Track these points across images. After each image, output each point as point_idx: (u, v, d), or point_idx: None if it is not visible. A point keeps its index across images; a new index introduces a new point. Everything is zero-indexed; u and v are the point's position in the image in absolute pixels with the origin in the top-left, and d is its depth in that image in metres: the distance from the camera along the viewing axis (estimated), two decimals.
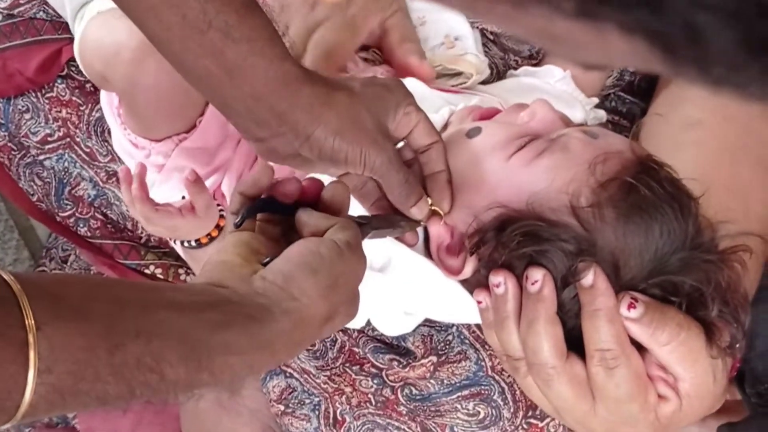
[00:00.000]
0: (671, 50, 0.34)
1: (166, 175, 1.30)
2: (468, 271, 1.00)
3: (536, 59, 1.45)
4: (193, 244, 1.21)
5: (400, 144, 1.02)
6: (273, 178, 0.92)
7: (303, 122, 0.94)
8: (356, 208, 1.00)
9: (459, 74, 1.35)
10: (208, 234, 1.20)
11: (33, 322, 0.63)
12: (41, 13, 1.45)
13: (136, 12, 0.91)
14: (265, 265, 0.85)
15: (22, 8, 1.45)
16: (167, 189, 1.30)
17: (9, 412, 0.63)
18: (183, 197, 1.22)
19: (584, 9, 0.33)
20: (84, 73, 1.32)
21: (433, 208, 1.02)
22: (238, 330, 0.77)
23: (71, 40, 1.39)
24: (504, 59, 1.45)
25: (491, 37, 1.43)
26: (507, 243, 0.95)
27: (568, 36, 0.36)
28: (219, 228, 1.21)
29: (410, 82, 1.06)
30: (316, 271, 0.83)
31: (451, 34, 1.38)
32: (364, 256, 0.89)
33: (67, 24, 1.41)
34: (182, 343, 0.74)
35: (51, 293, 0.68)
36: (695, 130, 1.25)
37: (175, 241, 1.26)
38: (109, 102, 1.35)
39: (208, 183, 1.30)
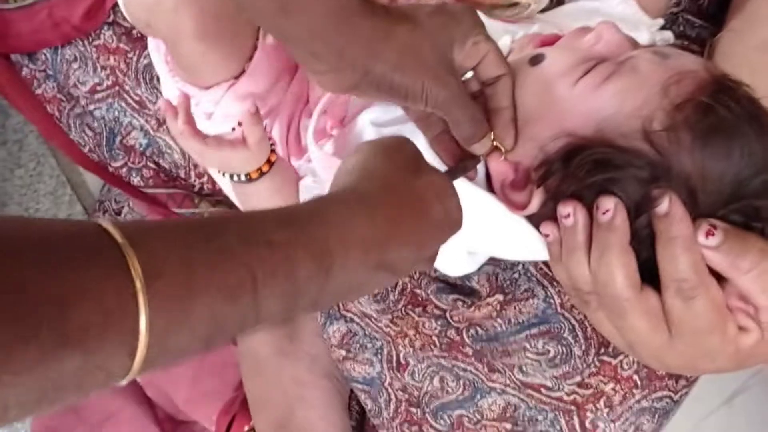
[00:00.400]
0: None
1: (217, 124, 1.28)
2: (535, 204, 0.97)
3: None
4: (243, 178, 1.19)
5: (469, 74, 1.00)
6: None
7: (361, 58, 0.92)
8: None
9: (515, 5, 1.31)
10: (259, 169, 1.18)
11: (124, 237, 0.60)
12: None
13: None
14: None
15: None
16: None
17: (130, 343, 0.59)
18: (233, 129, 1.20)
19: None
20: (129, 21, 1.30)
21: (495, 143, 0.99)
22: (319, 199, 0.78)
23: None
24: None
25: None
26: (576, 172, 0.92)
27: None
28: (270, 163, 1.19)
29: None
30: (357, 150, 0.87)
31: None
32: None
33: None
34: (274, 213, 0.73)
35: (132, 222, 0.66)
36: None
37: (224, 174, 1.24)
38: (157, 49, 1.33)
39: None
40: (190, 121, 1.14)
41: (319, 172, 1.17)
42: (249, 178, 1.17)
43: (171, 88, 1.31)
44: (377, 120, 1.13)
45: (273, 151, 1.18)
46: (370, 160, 0.86)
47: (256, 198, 1.22)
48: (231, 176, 1.18)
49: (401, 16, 0.95)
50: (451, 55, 0.97)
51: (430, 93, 0.94)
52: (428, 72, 0.94)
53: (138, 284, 0.59)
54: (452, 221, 0.88)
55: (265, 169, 1.17)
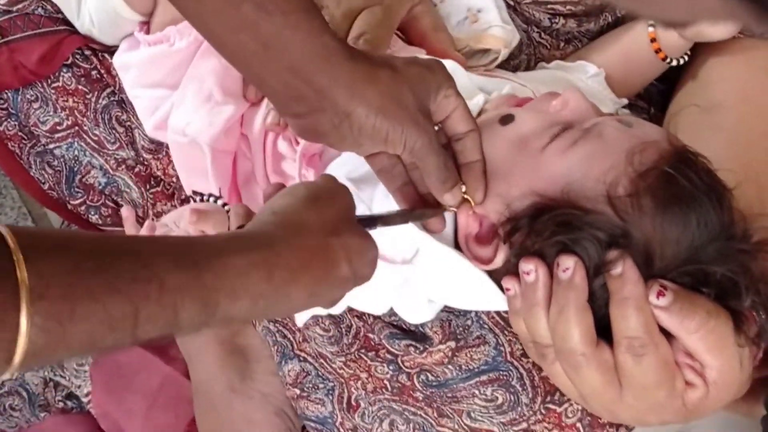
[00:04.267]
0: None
1: (201, 59, 1.34)
2: (500, 260, 1.02)
3: (556, 38, 1.48)
4: None
5: (435, 128, 1.03)
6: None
7: (343, 98, 0.94)
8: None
9: (488, 50, 1.35)
10: None
11: (19, 253, 0.64)
12: (39, 9, 1.46)
13: None
14: None
15: (20, 5, 1.46)
16: (206, 67, 1.33)
17: (8, 350, 0.63)
18: (216, 198, 1.21)
19: None
20: None
21: (465, 196, 1.03)
22: (227, 240, 0.80)
23: (70, 32, 1.46)
24: (526, 32, 1.47)
25: (512, 3, 1.44)
26: (540, 231, 0.97)
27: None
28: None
29: (448, 65, 1.07)
30: (291, 191, 0.89)
31: (473, 7, 1.38)
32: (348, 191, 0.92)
33: (63, 19, 1.45)
34: (174, 249, 0.75)
35: (33, 231, 0.69)
36: (715, 113, 1.27)
37: None
38: (123, 48, 1.40)
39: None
40: (135, 225, 1.15)
41: None
42: None
43: (146, 53, 1.38)
44: (352, 173, 1.16)
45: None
46: (296, 208, 0.87)
47: None
48: None
49: (381, 62, 0.97)
50: (427, 104, 0.99)
51: (409, 138, 0.97)
52: (408, 117, 0.96)
53: (23, 295, 0.63)
54: (358, 278, 0.90)
55: None
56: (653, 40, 1.36)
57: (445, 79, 1.01)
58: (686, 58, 1.37)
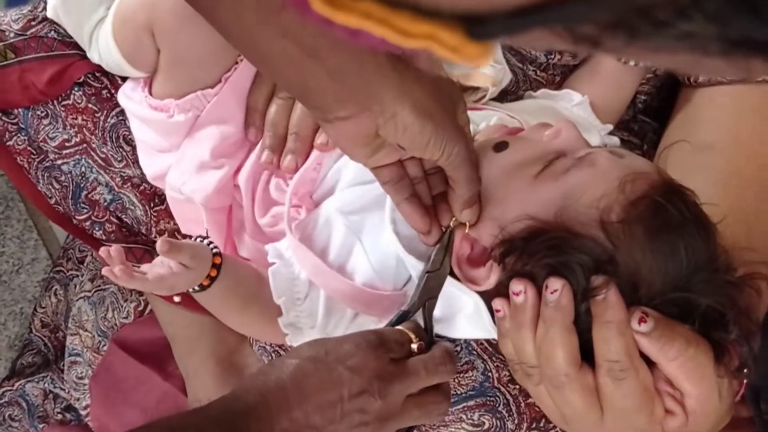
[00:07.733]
0: None
1: (200, 129, 1.34)
2: (493, 280, 1.04)
3: (552, 72, 1.51)
4: (197, 288, 1.18)
5: None
6: None
7: (391, 96, 0.92)
8: None
9: (476, 89, 1.37)
10: (208, 275, 1.17)
11: None
12: (52, 32, 1.47)
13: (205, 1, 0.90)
14: None
15: (33, 29, 1.47)
16: (204, 134, 1.34)
17: None
18: (203, 238, 1.23)
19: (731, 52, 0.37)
20: (117, 48, 1.35)
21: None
22: None
23: (82, 57, 1.46)
24: (522, 69, 1.49)
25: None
26: (532, 254, 0.99)
27: (712, 66, 0.40)
28: (216, 266, 1.18)
29: None
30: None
31: None
32: None
33: (75, 43, 1.46)
34: None
35: None
36: (706, 153, 1.29)
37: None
38: (129, 88, 1.40)
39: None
40: (126, 268, 1.12)
41: (286, 255, 1.20)
42: (202, 287, 1.17)
43: (143, 113, 1.37)
44: (344, 208, 1.18)
45: (217, 254, 1.19)
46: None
47: (212, 301, 1.24)
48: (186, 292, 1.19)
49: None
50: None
51: (449, 145, 0.97)
52: (451, 123, 0.97)
53: None
54: None
55: (213, 274, 1.17)
56: None
57: (460, 97, 1.03)
58: None
